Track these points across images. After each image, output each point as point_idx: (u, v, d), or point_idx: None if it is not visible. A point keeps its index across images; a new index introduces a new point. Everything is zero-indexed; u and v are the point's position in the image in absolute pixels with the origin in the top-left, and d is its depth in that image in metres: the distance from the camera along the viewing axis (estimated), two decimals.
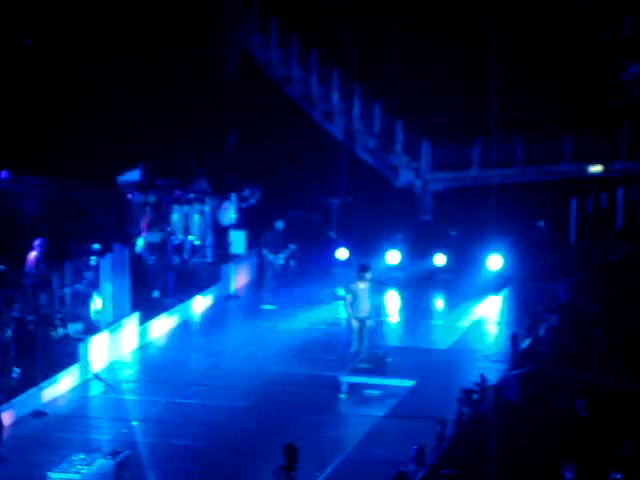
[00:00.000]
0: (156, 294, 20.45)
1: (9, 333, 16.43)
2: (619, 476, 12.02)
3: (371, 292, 17.80)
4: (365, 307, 17.65)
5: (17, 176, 22.46)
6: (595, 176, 27.14)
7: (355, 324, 17.62)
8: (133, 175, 23.16)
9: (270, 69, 28.12)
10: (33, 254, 18.45)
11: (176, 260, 21.90)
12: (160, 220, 21.64)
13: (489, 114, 22.81)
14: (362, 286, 17.61)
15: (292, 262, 23.07)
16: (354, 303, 17.59)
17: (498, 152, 25.79)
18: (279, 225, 22.04)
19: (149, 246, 20.78)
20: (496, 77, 22.40)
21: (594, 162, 27.08)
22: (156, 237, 20.98)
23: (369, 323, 17.72)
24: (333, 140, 27.00)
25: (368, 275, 17.69)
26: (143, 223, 21.28)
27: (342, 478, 13.95)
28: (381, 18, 27.30)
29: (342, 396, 16.94)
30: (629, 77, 28.71)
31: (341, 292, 21.72)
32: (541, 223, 24.70)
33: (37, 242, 18.51)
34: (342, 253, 23.33)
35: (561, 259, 23.63)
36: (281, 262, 21.98)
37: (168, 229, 21.69)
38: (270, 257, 21.84)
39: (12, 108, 23.22)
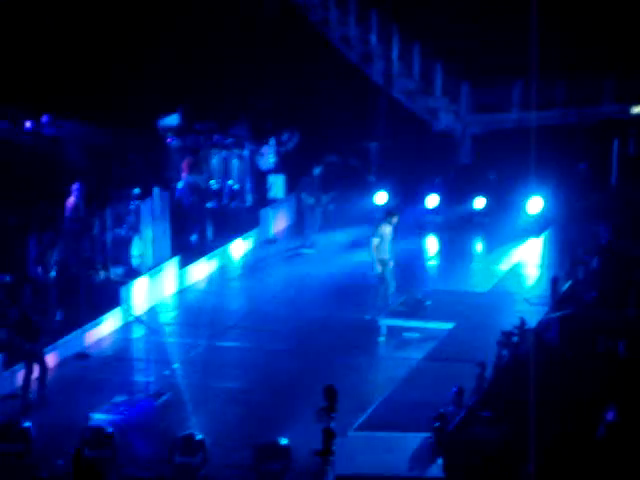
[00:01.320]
0: (194, 238, 20.52)
1: (53, 276, 16.60)
2: None
3: (394, 235, 17.87)
4: (387, 249, 17.72)
5: (57, 121, 22.56)
6: (637, 117, 26.77)
7: (379, 267, 17.67)
8: (172, 119, 23.17)
9: (309, 11, 27.88)
10: (71, 199, 18.58)
11: (215, 204, 21.99)
12: (200, 163, 21.69)
13: (529, 55, 22.49)
14: (388, 230, 17.70)
15: (331, 206, 23.05)
16: (380, 246, 17.65)
17: (538, 94, 25.47)
18: (316, 169, 21.99)
19: (189, 187, 20.83)
20: (536, 17, 22.04)
21: (636, 103, 26.69)
22: (196, 179, 21.04)
23: (391, 264, 17.76)
24: (371, 83, 26.78)
25: (395, 219, 17.80)
26: (184, 164, 21.32)
27: (382, 419, 14.01)
28: None
29: (381, 339, 16.99)
30: None
31: None
32: (582, 165, 24.44)
33: (74, 186, 18.62)
34: (381, 197, 23.26)
35: (602, 201, 23.40)
36: (315, 206, 21.93)
37: (206, 173, 21.72)
38: (309, 201, 21.82)
39: (52, 53, 23.25)
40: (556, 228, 22.44)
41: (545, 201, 22.53)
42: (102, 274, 18.10)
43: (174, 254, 19.30)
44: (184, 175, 21.04)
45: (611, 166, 25.40)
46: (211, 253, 20.56)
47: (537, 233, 22.26)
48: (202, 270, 20.19)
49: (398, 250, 18.16)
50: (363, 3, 27.04)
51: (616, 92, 26.57)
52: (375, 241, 17.74)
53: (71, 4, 24.10)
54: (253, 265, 21.07)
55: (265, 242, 22.29)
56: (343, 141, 24.98)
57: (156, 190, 18.85)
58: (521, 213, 22.55)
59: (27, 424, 12.47)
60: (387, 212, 18.19)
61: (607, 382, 13.28)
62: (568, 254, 19.38)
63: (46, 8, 24.08)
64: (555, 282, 17.49)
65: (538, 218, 22.53)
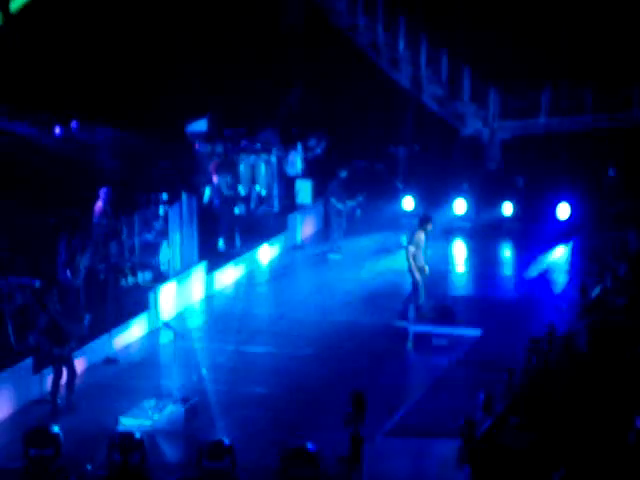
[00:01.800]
0: (221, 243, 20.53)
1: (81, 280, 16.67)
2: None
3: (438, 241, 17.83)
4: (422, 256, 17.67)
5: (87, 126, 22.68)
6: None
7: (418, 275, 17.61)
8: (200, 125, 23.26)
9: (335, 18, 27.90)
10: (99, 204, 18.67)
11: (243, 210, 22.04)
12: (227, 165, 21.72)
13: (558, 60, 22.45)
14: (423, 237, 17.61)
15: (358, 211, 23.05)
16: (416, 253, 17.57)
17: (567, 99, 25.38)
18: (343, 174, 21.98)
19: (217, 190, 20.88)
20: (565, 22, 22.02)
21: None
22: (221, 182, 21.05)
23: (427, 270, 17.71)
24: (399, 88, 26.77)
25: (429, 226, 17.69)
26: (212, 167, 21.37)
27: (410, 425, 13.98)
28: None
29: (409, 345, 16.95)
30: None
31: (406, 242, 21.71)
32: (612, 171, 24.31)
33: (102, 191, 18.71)
34: (408, 202, 23.23)
35: (631, 207, 23.25)
36: (347, 208, 21.88)
37: (233, 177, 21.71)
38: (338, 206, 21.82)
39: (83, 58, 23.38)
40: (585, 234, 22.32)
41: (574, 207, 22.43)
42: (130, 279, 18.16)
43: (202, 259, 19.35)
44: (214, 177, 21.10)
45: None
46: (239, 258, 20.59)
47: (566, 239, 22.16)
48: (230, 275, 20.21)
49: (426, 256, 18.10)
50: (391, 9, 27.04)
51: None
52: (412, 249, 17.58)
53: (103, 10, 24.22)
54: (280, 270, 21.09)
55: (293, 247, 22.31)
56: (371, 146, 24.97)
57: (184, 195, 18.91)
58: (550, 219, 22.45)
59: (56, 429, 12.50)
60: (422, 219, 17.90)
61: (636, 389, 13.19)
62: (597, 261, 19.28)
63: (76, 14, 24.21)
64: (584, 289, 17.39)
65: (567, 224, 22.43)
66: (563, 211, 22.44)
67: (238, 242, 20.92)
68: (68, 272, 16.51)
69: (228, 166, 21.75)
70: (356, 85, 26.00)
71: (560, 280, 20.45)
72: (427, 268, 17.70)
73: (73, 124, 22.85)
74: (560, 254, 21.76)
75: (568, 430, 12.21)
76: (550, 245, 21.90)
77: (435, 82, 26.77)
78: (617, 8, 26.77)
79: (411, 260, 17.61)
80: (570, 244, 22.12)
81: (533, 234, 22.18)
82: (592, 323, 15.52)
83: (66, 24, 23.93)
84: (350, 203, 22.02)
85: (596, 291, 17.54)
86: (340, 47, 27.01)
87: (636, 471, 11.54)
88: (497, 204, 23.06)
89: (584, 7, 25.76)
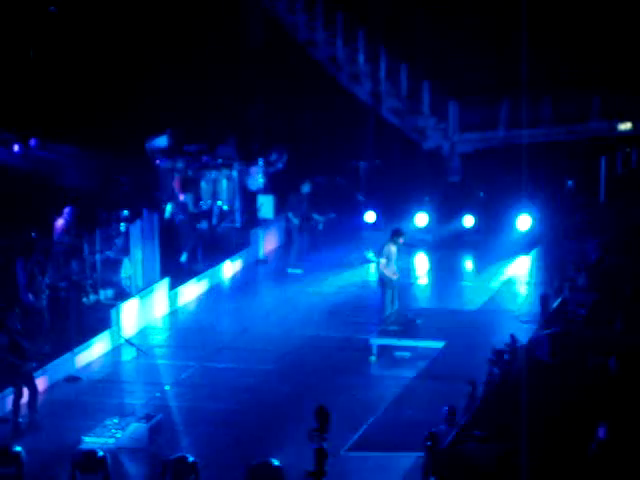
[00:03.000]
0: (184, 257, 20.48)
1: (44, 300, 16.57)
2: None
3: (400, 254, 17.91)
4: (395, 270, 17.76)
5: (46, 143, 22.58)
6: (624, 134, 26.89)
7: (388, 287, 17.70)
8: (161, 141, 23.20)
9: (295, 32, 27.98)
10: (60, 221, 18.58)
11: (205, 225, 22.00)
12: (189, 183, 21.69)
13: (517, 73, 22.62)
14: (394, 249, 17.71)
15: (320, 226, 23.09)
16: (387, 266, 17.66)
17: (526, 111, 25.59)
18: (305, 188, 22.03)
19: (182, 207, 20.83)
20: (524, 35, 22.16)
21: (623, 120, 26.82)
22: (188, 199, 21.03)
23: (397, 285, 17.81)
24: (360, 103, 26.87)
25: (401, 239, 17.82)
26: (175, 184, 21.32)
27: (374, 439, 14.01)
28: None
29: (372, 358, 16.99)
30: None
31: (370, 255, 21.79)
32: (570, 182, 24.55)
33: (66, 210, 18.62)
34: (370, 216, 23.31)
35: (591, 218, 23.49)
36: (320, 226, 21.97)
37: (195, 194, 21.68)
38: (295, 221, 21.85)
39: (40, 76, 23.28)
40: (545, 245, 22.51)
41: (534, 218, 22.60)
42: (92, 297, 18.07)
43: (164, 275, 19.29)
44: (180, 195, 21.04)
45: (599, 183, 25.52)
46: (201, 274, 20.55)
47: (526, 250, 22.32)
48: (192, 291, 20.17)
49: (398, 269, 18.13)
50: (350, 24, 27.15)
51: (603, 109, 26.71)
52: (382, 261, 17.75)
53: (62, 28, 24.15)
54: (244, 285, 21.07)
55: (255, 262, 22.30)
56: (332, 160, 25.03)
57: (145, 212, 18.86)
58: (511, 231, 22.61)
59: (18, 448, 12.41)
60: (393, 232, 18.09)
61: (598, 399, 13.30)
62: (557, 271, 19.44)
63: (34, 32, 24.13)
64: (545, 299, 17.53)
65: (527, 235, 22.60)
66: (523, 223, 22.61)
67: (201, 257, 20.87)
68: (30, 295, 16.40)
69: (191, 182, 21.71)
70: (317, 99, 26.08)
71: (521, 291, 20.59)
72: (398, 276, 17.82)
73: (32, 142, 22.72)
74: (521, 265, 21.91)
75: (530, 441, 12.29)
76: (511, 256, 22.05)
77: (395, 96, 26.89)
78: (574, 21, 27.08)
79: (383, 271, 17.71)
80: (531, 255, 22.28)
81: (494, 246, 22.32)
82: (553, 333, 15.64)
83: (24, 42, 23.84)
84: (319, 218, 22.01)
85: (557, 302, 17.69)
86: (301, 62, 27.10)
87: None
88: (458, 216, 23.19)
89: (542, 20, 26.00)
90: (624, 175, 26.22)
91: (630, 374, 13.94)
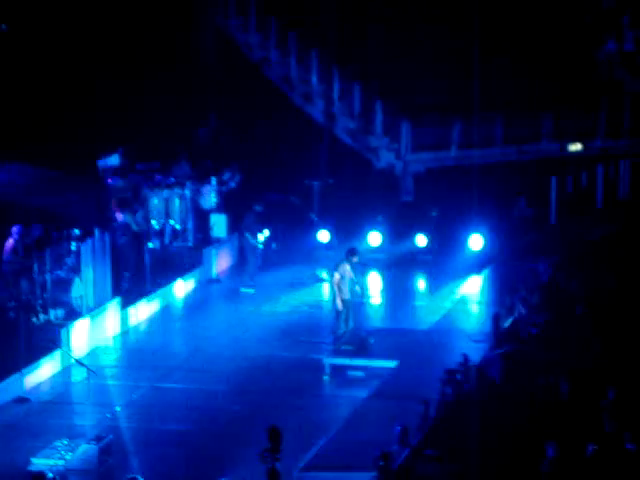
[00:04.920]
0: (127, 279, 20.17)
1: None
2: (596, 447, 12.11)
3: (354, 274, 17.93)
4: (349, 289, 17.76)
5: None
6: (575, 154, 27.19)
7: (341, 306, 17.71)
8: (113, 160, 23.05)
9: (249, 51, 28.02)
10: (10, 241, 18.37)
11: (157, 244, 21.87)
12: (131, 202, 21.42)
13: (469, 94, 22.82)
14: (348, 268, 17.70)
15: (274, 245, 23.05)
16: (341, 285, 17.66)
17: (478, 132, 25.81)
18: (258, 208, 22.00)
19: (121, 227, 20.58)
20: (475, 58, 22.40)
21: (574, 140, 27.13)
22: (127, 218, 20.77)
23: (351, 305, 17.81)
24: (313, 122, 26.95)
25: (356, 258, 17.82)
26: (113, 205, 21.06)
27: (327, 459, 13.96)
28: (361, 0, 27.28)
29: (326, 378, 16.96)
30: (606, 55, 28.75)
31: (322, 274, 21.79)
32: (521, 202, 24.73)
33: (14, 229, 18.42)
34: (323, 235, 23.32)
35: (542, 238, 23.68)
36: (260, 247, 21.91)
37: (139, 213, 21.42)
38: (252, 241, 21.80)
39: None
40: (497, 265, 22.64)
41: (486, 238, 22.74)
42: (42, 316, 17.86)
43: (115, 295, 19.13)
44: (118, 215, 20.78)
45: (550, 203, 25.76)
46: (153, 294, 20.40)
47: (478, 270, 22.44)
48: (144, 311, 20.02)
49: (353, 288, 18.12)
50: (304, 43, 27.24)
51: (554, 130, 27.00)
52: (337, 276, 17.69)
53: (9, 48, 23.99)
54: (196, 305, 20.96)
55: (208, 282, 22.20)
56: (285, 179, 25.05)
57: (96, 231, 18.70)
58: (463, 250, 22.73)
59: None
60: (348, 251, 18.05)
61: (549, 418, 13.37)
62: (509, 291, 19.56)
63: None
64: (497, 319, 17.62)
65: (479, 255, 22.73)
66: (475, 242, 22.73)
67: (147, 277, 20.56)
68: None
69: (131, 203, 21.40)
70: (270, 118, 26.11)
71: (473, 311, 20.69)
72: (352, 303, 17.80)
73: None
74: (473, 285, 22.02)
75: (483, 460, 12.32)
76: (463, 276, 22.15)
77: (348, 115, 27.00)
78: (525, 43, 27.38)
79: (335, 287, 17.69)
80: (483, 275, 22.40)
81: (446, 265, 22.42)
82: (505, 353, 15.72)
83: None
84: (265, 237, 21.97)
85: (509, 321, 17.79)
86: (253, 80, 27.13)
87: None
88: (411, 236, 23.27)
89: (494, 41, 26.28)
90: (574, 195, 26.50)
91: (580, 395, 14.03)
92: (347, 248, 18.34)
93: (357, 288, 18.01)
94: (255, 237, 21.80)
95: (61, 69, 24.09)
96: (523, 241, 23.45)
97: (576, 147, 27.14)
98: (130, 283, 20.07)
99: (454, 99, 25.13)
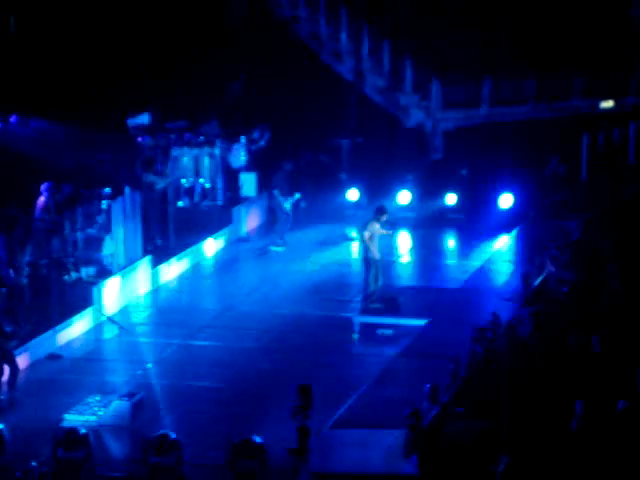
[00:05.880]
0: (153, 239, 20.20)
1: (24, 277, 16.48)
2: (626, 403, 12.09)
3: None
4: (378, 247, 17.72)
5: (27, 120, 22.40)
6: (607, 112, 26.93)
7: (372, 265, 17.67)
8: (143, 118, 23.06)
9: (278, 9, 27.85)
10: (41, 199, 18.47)
11: (187, 203, 21.92)
12: (157, 162, 21.39)
13: (499, 51, 22.64)
14: (378, 227, 17.63)
15: (303, 204, 23.03)
16: (371, 244, 17.61)
17: (508, 89, 25.61)
18: (288, 166, 21.94)
19: (146, 187, 20.57)
20: (506, 14, 22.19)
21: (606, 98, 26.85)
22: (151, 178, 20.76)
23: (380, 263, 17.78)
24: (342, 80, 26.80)
25: (384, 217, 17.70)
26: (138, 164, 21.05)
27: (356, 416, 14.01)
28: None
29: (355, 336, 17.00)
30: (639, 11, 28.37)
31: (351, 233, 21.78)
32: (554, 161, 24.55)
33: (44, 186, 18.51)
34: (353, 194, 23.28)
35: (573, 196, 23.53)
36: (287, 207, 21.79)
37: (166, 172, 21.40)
38: (280, 199, 21.78)
39: (17, 51, 23.08)
40: (527, 224, 22.53)
41: (516, 197, 22.62)
42: (73, 274, 17.99)
43: (146, 253, 19.21)
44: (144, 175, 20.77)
45: (581, 161, 25.57)
46: (183, 252, 20.47)
47: (508, 229, 22.35)
48: (175, 269, 20.11)
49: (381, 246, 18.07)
50: (333, 1, 27.05)
51: (585, 87, 26.73)
52: (367, 234, 17.53)
53: (41, 4, 23.96)
54: (226, 264, 21.03)
55: (238, 240, 22.25)
56: (315, 138, 24.97)
57: (127, 189, 18.76)
58: (493, 209, 22.63)
59: (0, 426, 12.38)
60: (377, 209, 17.81)
61: (580, 376, 13.36)
62: (539, 249, 19.48)
63: (12, 8, 23.91)
64: (527, 277, 17.57)
65: (509, 214, 22.62)
66: (505, 201, 22.62)
67: (172, 238, 20.57)
68: (11, 271, 16.31)
69: (160, 160, 21.37)
70: (299, 77, 25.98)
71: (503, 269, 20.63)
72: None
73: (12, 118, 22.55)
74: (503, 243, 21.95)
75: (513, 418, 12.34)
76: (493, 235, 22.07)
77: (377, 74, 26.84)
78: (555, 2, 27.06)
79: (367, 249, 17.59)
80: (513, 233, 22.31)
81: (476, 224, 22.34)
82: (535, 311, 15.69)
83: (3, 16, 23.63)
84: (290, 200, 21.85)
85: (539, 280, 17.74)
86: (283, 38, 26.98)
87: (579, 456, 11.70)
88: (440, 194, 23.19)
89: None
90: (606, 153, 26.27)
91: (612, 352, 14.00)
92: (376, 207, 18.24)
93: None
94: (285, 196, 21.76)
95: (93, 28, 24.04)
96: (553, 199, 23.31)
97: (608, 104, 26.88)
98: (156, 242, 20.12)
99: (485, 56, 24.92)
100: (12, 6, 23.80)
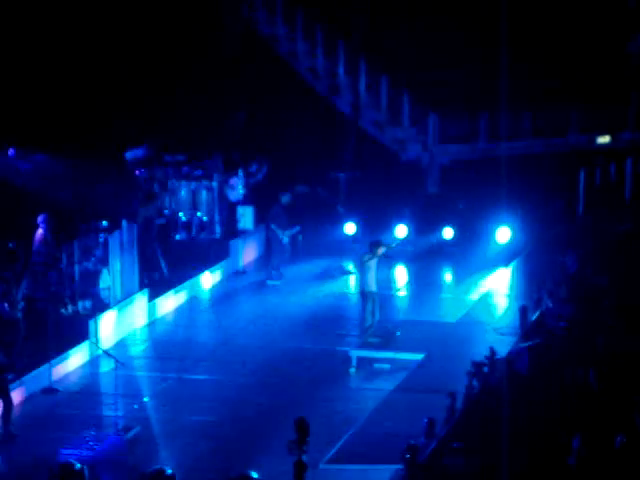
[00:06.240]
0: (148, 273, 20.18)
1: (19, 311, 16.45)
2: (624, 439, 12.04)
3: (379, 266, 17.88)
4: (375, 281, 17.72)
5: (24, 153, 22.46)
6: (603, 147, 27.04)
7: (369, 297, 17.66)
8: (140, 151, 23.12)
9: (275, 44, 28.02)
10: (39, 232, 18.48)
11: (184, 236, 21.94)
12: (154, 195, 21.44)
13: (496, 86, 22.71)
14: (373, 261, 17.64)
15: (300, 237, 23.05)
16: (367, 277, 17.60)
17: (505, 124, 25.71)
18: (285, 199, 21.99)
19: (143, 220, 20.59)
20: (503, 49, 22.26)
21: (602, 133, 26.97)
22: (150, 211, 20.80)
23: (378, 297, 17.77)
24: (340, 114, 26.92)
25: (380, 250, 17.71)
26: (135, 197, 21.09)
27: (353, 451, 13.97)
28: None
29: (352, 370, 16.96)
30: (636, 47, 28.56)
31: (349, 267, 21.79)
32: (549, 195, 24.63)
33: (40, 218, 18.53)
34: (350, 228, 23.31)
35: (570, 231, 23.57)
36: (285, 240, 21.85)
37: (161, 205, 21.42)
38: (278, 232, 21.81)
39: (16, 84, 23.18)
40: (524, 258, 22.57)
41: (513, 231, 22.66)
42: (70, 308, 17.97)
43: (143, 287, 19.20)
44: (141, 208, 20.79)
45: (578, 196, 25.64)
46: (180, 285, 20.46)
47: (506, 263, 22.37)
48: (171, 302, 20.10)
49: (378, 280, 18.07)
50: (330, 35, 27.21)
51: (582, 123, 26.85)
52: (367, 258, 17.47)
53: (40, 37, 24.07)
54: (223, 297, 21.02)
55: (234, 273, 22.25)
56: (312, 172, 25.05)
57: (124, 222, 18.77)
58: (490, 243, 22.66)
59: None
60: (372, 243, 17.85)
61: (577, 412, 13.32)
62: (536, 284, 19.49)
63: (9, 40, 24.02)
64: (524, 312, 17.55)
65: (507, 248, 22.65)
66: (503, 235, 22.66)
67: (165, 270, 20.55)
68: (6, 305, 16.29)
69: (152, 196, 21.39)
70: (297, 111, 26.10)
71: (500, 304, 20.63)
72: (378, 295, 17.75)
73: (10, 151, 22.61)
74: (500, 277, 21.95)
75: (510, 453, 12.29)
76: (490, 268, 22.09)
77: (375, 107, 26.96)
78: (553, 35, 27.23)
79: (362, 283, 17.57)
80: (510, 267, 22.33)
81: (473, 258, 22.36)
82: (532, 346, 15.66)
83: (4, 49, 23.74)
84: (288, 233, 21.91)
85: (536, 314, 17.72)
86: (280, 73, 27.12)
87: None
88: (437, 228, 23.22)
89: (522, 34, 26.14)
90: (602, 188, 26.35)
91: (609, 387, 13.97)
92: (371, 240, 18.25)
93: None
94: (281, 229, 21.80)
95: (91, 61, 24.16)
96: (550, 233, 23.35)
97: (604, 139, 26.99)
98: (153, 275, 20.10)
99: (482, 91, 25.04)
100: (12, 38, 23.91)
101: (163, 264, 20.44)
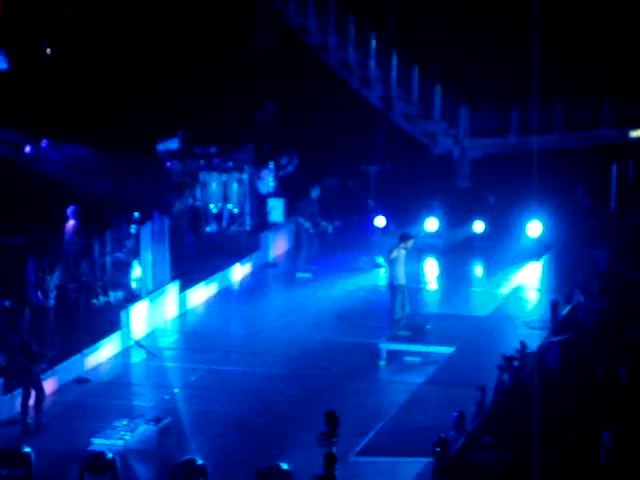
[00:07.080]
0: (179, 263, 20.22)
1: (52, 301, 16.59)
2: None
3: (409, 259, 17.88)
4: (405, 274, 17.72)
5: (57, 145, 22.61)
6: (636, 141, 26.83)
7: (399, 292, 17.67)
8: (172, 143, 23.21)
9: (306, 36, 27.98)
10: (71, 222, 18.60)
11: (215, 228, 22.01)
12: (185, 187, 21.53)
13: (528, 79, 22.56)
14: (402, 254, 17.64)
15: (330, 229, 23.07)
16: (396, 270, 17.60)
17: (537, 118, 25.56)
18: (314, 193, 22.02)
19: (177, 212, 20.69)
20: (536, 42, 22.12)
21: (635, 127, 26.76)
22: (184, 203, 20.88)
23: (407, 290, 17.77)
24: (371, 107, 26.86)
25: (410, 243, 17.72)
26: (167, 188, 21.19)
27: (383, 444, 13.98)
28: None
29: (382, 363, 16.97)
30: None
31: (380, 260, 21.78)
32: (579, 190, 24.49)
33: (70, 210, 18.65)
34: (380, 221, 23.29)
35: (602, 225, 23.43)
36: (312, 231, 21.84)
37: (190, 197, 21.51)
38: (306, 225, 21.84)
39: (50, 76, 23.32)
40: (556, 252, 22.46)
41: (544, 225, 22.56)
42: (102, 298, 18.09)
43: (174, 278, 19.28)
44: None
45: (610, 190, 25.46)
46: (211, 277, 20.53)
47: (537, 257, 22.28)
48: (202, 294, 20.17)
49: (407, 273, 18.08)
50: (362, 28, 27.15)
51: (615, 116, 26.66)
52: (395, 254, 17.49)
53: (72, 28, 24.21)
54: (253, 289, 21.07)
55: (265, 266, 22.30)
56: (342, 165, 25.03)
57: (155, 214, 18.86)
58: (521, 237, 22.58)
59: (27, 449, 12.44)
60: (401, 236, 17.93)
61: (608, 407, 13.26)
62: (568, 278, 19.41)
63: (44, 32, 24.18)
64: (555, 306, 17.49)
65: (538, 242, 22.55)
66: (534, 229, 22.56)
67: (194, 261, 20.62)
68: (39, 293, 16.42)
69: (185, 187, 21.50)
70: (327, 103, 26.07)
71: (531, 298, 20.56)
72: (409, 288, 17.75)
73: (43, 143, 22.76)
74: (531, 272, 21.87)
75: (540, 448, 12.25)
76: (521, 263, 22.01)
77: (406, 101, 26.87)
78: (587, 28, 27.03)
79: (392, 276, 17.59)
80: (541, 262, 22.24)
81: (504, 252, 22.28)
82: (563, 340, 15.61)
83: (33, 42, 23.90)
84: (322, 222, 21.98)
85: (567, 309, 17.65)
86: (311, 65, 27.09)
87: None
88: (468, 222, 23.16)
89: (555, 26, 25.98)
90: (635, 182, 26.16)
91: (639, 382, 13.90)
92: (400, 233, 18.29)
93: None
94: (310, 222, 21.81)
95: (124, 53, 24.25)
96: (582, 228, 23.23)
97: (637, 133, 26.78)
98: (183, 267, 20.18)
99: (514, 84, 24.90)
100: (47, 32, 24.06)
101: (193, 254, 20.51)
